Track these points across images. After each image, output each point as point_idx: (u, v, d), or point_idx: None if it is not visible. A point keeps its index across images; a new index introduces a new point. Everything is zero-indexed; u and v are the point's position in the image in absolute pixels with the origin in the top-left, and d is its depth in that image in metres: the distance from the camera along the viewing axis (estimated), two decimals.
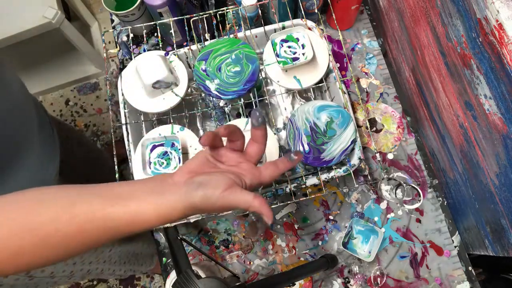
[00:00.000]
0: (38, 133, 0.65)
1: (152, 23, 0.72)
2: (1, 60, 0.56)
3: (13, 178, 0.57)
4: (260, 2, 0.72)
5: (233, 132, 0.41)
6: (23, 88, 0.63)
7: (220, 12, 0.71)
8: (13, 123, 0.57)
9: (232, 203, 0.38)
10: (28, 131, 0.62)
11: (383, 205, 0.74)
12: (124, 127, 0.67)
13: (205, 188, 0.37)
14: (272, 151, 0.63)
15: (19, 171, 0.59)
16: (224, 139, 0.43)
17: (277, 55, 0.64)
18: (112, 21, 0.90)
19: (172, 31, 0.69)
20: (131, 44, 0.85)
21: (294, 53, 0.64)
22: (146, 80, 0.61)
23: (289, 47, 0.64)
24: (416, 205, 0.71)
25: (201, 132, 0.78)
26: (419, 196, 0.71)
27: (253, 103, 0.66)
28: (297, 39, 0.64)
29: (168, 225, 0.63)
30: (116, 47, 0.86)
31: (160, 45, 0.71)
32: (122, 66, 0.86)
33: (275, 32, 0.69)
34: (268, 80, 0.80)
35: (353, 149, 0.64)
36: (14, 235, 0.34)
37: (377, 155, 0.67)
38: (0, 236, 0.33)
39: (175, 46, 0.69)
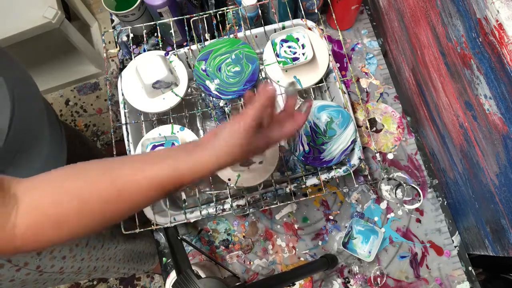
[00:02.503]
0: (49, 125, 0.67)
1: (152, 23, 0.72)
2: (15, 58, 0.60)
3: (28, 166, 0.60)
4: (260, 2, 0.72)
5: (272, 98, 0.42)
6: (35, 83, 0.66)
7: (220, 12, 0.71)
8: (32, 114, 0.61)
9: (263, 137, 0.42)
10: (41, 123, 0.65)
11: (383, 205, 0.74)
12: (124, 127, 0.67)
13: (231, 126, 0.40)
14: (272, 151, 0.63)
15: (34, 158, 0.61)
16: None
17: (277, 55, 0.64)
18: (112, 21, 0.90)
19: (172, 31, 0.69)
20: (131, 44, 0.85)
21: (294, 53, 0.64)
22: (146, 80, 0.61)
23: (289, 47, 0.64)
24: (416, 205, 0.71)
25: (201, 132, 0.78)
26: (419, 196, 0.71)
27: None
28: (297, 39, 0.64)
29: (168, 225, 0.63)
30: (116, 47, 0.86)
31: (160, 45, 0.71)
32: (122, 66, 0.86)
33: (275, 32, 0.69)
34: (268, 80, 0.80)
35: (353, 149, 0.64)
36: (57, 203, 0.36)
37: (377, 155, 0.67)
38: (44, 204, 0.35)
39: (175, 46, 0.69)
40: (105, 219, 0.38)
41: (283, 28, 0.70)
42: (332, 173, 0.64)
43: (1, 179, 0.36)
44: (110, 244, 0.88)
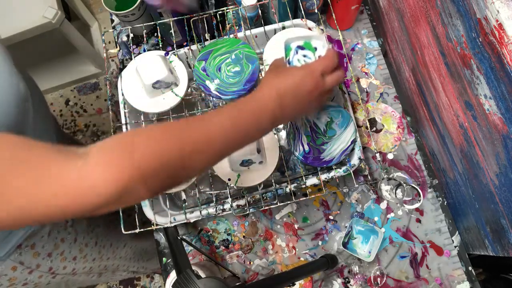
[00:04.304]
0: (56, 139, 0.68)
1: (152, 23, 0.72)
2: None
3: None
4: (260, 2, 0.72)
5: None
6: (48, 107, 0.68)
7: (220, 12, 0.71)
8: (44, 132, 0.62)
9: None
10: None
11: (383, 205, 0.74)
12: (124, 127, 0.67)
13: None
14: (272, 151, 0.63)
15: None
16: None
17: (289, 62, 0.57)
18: (112, 21, 0.90)
19: (172, 31, 0.69)
20: (131, 44, 0.85)
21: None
22: (146, 80, 0.61)
23: (304, 55, 0.57)
24: (416, 205, 0.71)
25: None
26: (419, 196, 0.71)
27: None
28: (315, 48, 0.57)
29: (168, 225, 0.63)
30: (116, 47, 0.86)
31: (160, 45, 0.71)
32: (122, 66, 0.86)
33: (275, 33, 0.69)
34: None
35: (353, 149, 0.64)
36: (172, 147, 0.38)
37: (377, 155, 0.67)
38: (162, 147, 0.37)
39: (175, 46, 0.69)
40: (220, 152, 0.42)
41: (283, 28, 0.70)
42: (332, 173, 0.64)
43: (59, 146, 0.35)
44: (118, 242, 0.89)
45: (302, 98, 0.47)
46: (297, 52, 0.57)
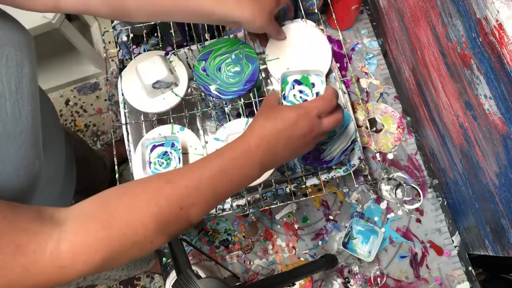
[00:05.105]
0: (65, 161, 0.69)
1: (152, 23, 0.72)
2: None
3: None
4: None
5: None
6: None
7: None
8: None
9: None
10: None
11: (383, 205, 0.74)
12: (124, 127, 0.67)
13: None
14: None
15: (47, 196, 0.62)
16: None
17: (284, 97, 0.53)
18: (112, 21, 0.90)
19: (172, 31, 0.69)
20: (131, 44, 0.85)
21: (304, 100, 0.53)
22: (146, 80, 0.61)
23: (300, 91, 0.53)
24: (416, 205, 0.71)
25: (201, 132, 0.78)
26: (419, 196, 0.71)
27: (253, 103, 0.66)
28: (313, 85, 0.53)
29: None
30: (116, 47, 0.86)
31: (160, 45, 0.71)
32: (122, 66, 0.86)
33: None
34: (268, 80, 0.80)
35: (353, 149, 0.64)
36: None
37: (377, 155, 0.67)
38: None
39: (175, 46, 0.69)
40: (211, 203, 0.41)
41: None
42: (332, 173, 0.64)
43: (39, 208, 0.35)
44: None
45: (296, 141, 0.44)
46: (293, 87, 0.54)
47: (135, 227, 0.36)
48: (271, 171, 0.61)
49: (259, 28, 0.53)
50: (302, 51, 0.64)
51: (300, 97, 0.53)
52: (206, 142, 0.63)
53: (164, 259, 0.74)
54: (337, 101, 0.47)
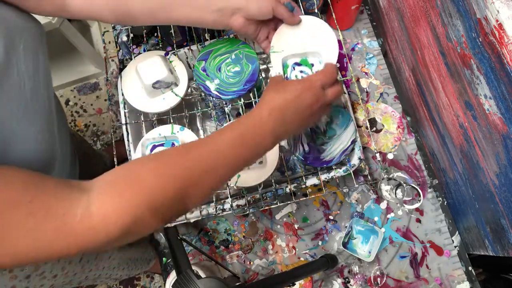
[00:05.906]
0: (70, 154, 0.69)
1: None
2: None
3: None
4: None
5: None
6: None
7: None
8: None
9: None
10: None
11: (383, 205, 0.74)
12: (124, 127, 0.67)
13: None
14: (272, 151, 0.63)
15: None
16: None
17: (287, 78, 0.58)
18: None
19: (172, 31, 0.69)
20: (131, 44, 0.85)
21: None
22: (146, 80, 0.61)
23: (301, 71, 0.58)
24: (416, 205, 0.71)
25: (201, 132, 0.78)
26: (419, 196, 0.71)
27: (253, 103, 0.66)
28: (312, 65, 0.58)
29: (168, 225, 0.63)
30: (116, 47, 0.86)
31: (160, 45, 0.71)
32: (122, 66, 0.86)
33: None
34: (269, 80, 0.79)
35: (353, 149, 0.64)
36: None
37: (377, 155, 0.67)
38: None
39: (175, 46, 0.69)
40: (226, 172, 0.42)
41: None
42: (332, 173, 0.64)
43: (66, 180, 0.36)
44: (104, 254, 0.86)
45: (304, 111, 0.47)
46: (294, 69, 0.57)
47: (165, 188, 0.37)
48: (273, 169, 0.61)
49: (266, 9, 0.53)
50: (308, 45, 0.61)
51: (302, 76, 0.57)
52: None
53: (164, 259, 0.74)
54: (336, 75, 0.51)
